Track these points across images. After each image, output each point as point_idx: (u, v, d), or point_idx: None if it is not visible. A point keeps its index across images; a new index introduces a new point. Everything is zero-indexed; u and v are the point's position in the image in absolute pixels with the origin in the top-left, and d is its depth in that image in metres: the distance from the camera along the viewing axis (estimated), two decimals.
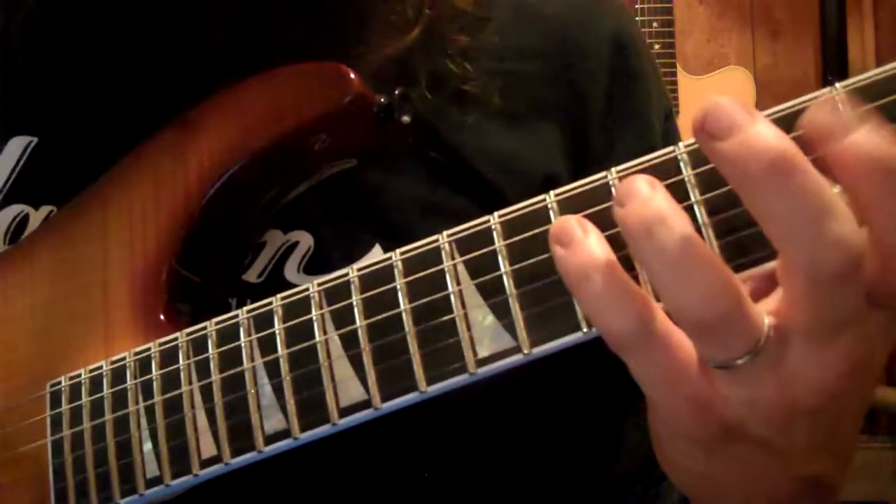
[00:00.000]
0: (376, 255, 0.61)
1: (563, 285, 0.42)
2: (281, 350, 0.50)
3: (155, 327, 0.58)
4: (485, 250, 0.45)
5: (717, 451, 0.43)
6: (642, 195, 0.39)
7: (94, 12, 0.69)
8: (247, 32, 0.67)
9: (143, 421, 0.53)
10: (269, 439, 0.50)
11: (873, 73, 0.39)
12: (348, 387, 0.48)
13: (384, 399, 0.47)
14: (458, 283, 0.46)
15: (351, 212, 0.63)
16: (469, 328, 0.45)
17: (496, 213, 0.46)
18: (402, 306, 0.47)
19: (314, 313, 0.49)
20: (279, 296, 0.51)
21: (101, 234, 0.61)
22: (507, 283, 0.45)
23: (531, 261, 0.44)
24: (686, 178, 0.41)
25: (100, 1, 0.69)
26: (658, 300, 0.41)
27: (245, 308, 0.52)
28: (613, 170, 0.43)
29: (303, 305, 0.50)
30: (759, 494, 0.45)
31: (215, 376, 0.52)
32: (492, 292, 0.45)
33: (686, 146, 0.42)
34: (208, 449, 0.51)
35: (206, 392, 0.52)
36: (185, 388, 0.52)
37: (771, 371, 0.39)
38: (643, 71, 0.72)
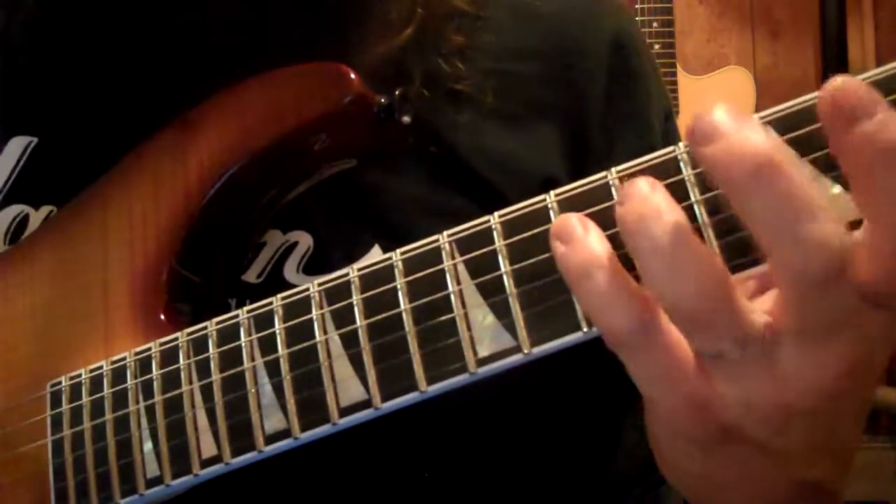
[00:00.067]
0: (376, 255, 0.61)
1: (563, 285, 0.42)
2: (281, 350, 0.50)
3: (155, 327, 0.58)
4: (485, 250, 0.46)
5: (715, 451, 0.43)
6: (641, 194, 0.39)
7: (95, 12, 0.69)
8: (247, 32, 0.67)
9: (144, 420, 0.53)
10: (270, 439, 0.50)
11: (872, 74, 0.39)
12: (348, 386, 0.48)
13: (384, 399, 0.47)
14: (459, 283, 0.46)
15: (350, 212, 0.63)
16: (469, 328, 0.45)
17: (496, 213, 0.46)
18: (402, 306, 0.47)
19: (314, 313, 0.49)
20: (279, 296, 0.51)
21: (101, 234, 0.61)
22: (508, 282, 0.45)
23: (531, 260, 0.44)
24: (686, 178, 0.42)
25: (100, 1, 0.69)
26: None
27: (245, 308, 0.52)
28: (613, 170, 0.43)
29: (303, 305, 0.50)
30: (758, 497, 0.45)
31: (216, 376, 0.52)
32: (492, 292, 0.45)
33: (686, 146, 0.42)
34: (208, 449, 0.51)
35: (207, 392, 0.52)
36: (185, 387, 0.52)
37: (765, 368, 0.39)
38: (643, 71, 0.72)
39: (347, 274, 0.49)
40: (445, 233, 0.47)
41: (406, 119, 0.60)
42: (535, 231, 0.44)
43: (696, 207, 0.41)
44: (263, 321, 0.51)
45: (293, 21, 0.67)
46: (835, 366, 0.39)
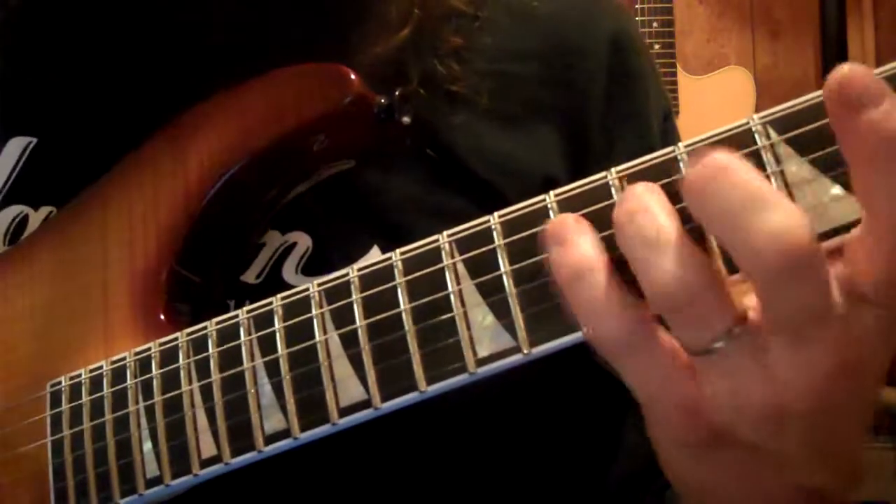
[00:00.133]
0: (374, 255, 0.61)
1: None
2: (281, 350, 0.50)
3: (155, 327, 0.58)
4: (485, 250, 0.46)
5: (707, 457, 0.43)
6: (635, 195, 0.40)
7: (95, 12, 0.69)
8: (247, 32, 0.67)
9: (143, 421, 0.53)
10: (269, 439, 0.50)
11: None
12: (348, 386, 0.48)
13: (384, 399, 0.47)
14: (458, 283, 0.46)
15: (349, 213, 0.63)
16: (469, 328, 0.45)
17: (496, 213, 0.46)
18: (401, 306, 0.47)
19: (314, 313, 0.49)
20: (279, 295, 0.51)
21: (101, 235, 0.61)
22: (507, 282, 0.45)
23: (531, 260, 0.44)
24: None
25: (100, 1, 0.69)
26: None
27: (245, 308, 0.52)
28: (613, 170, 0.43)
29: (303, 305, 0.50)
30: (756, 503, 0.45)
31: (215, 376, 0.52)
32: (492, 292, 0.45)
33: (685, 146, 0.42)
34: (208, 449, 0.51)
35: (206, 392, 0.52)
36: (185, 387, 0.52)
37: (754, 365, 0.39)
38: (642, 71, 0.72)
39: (347, 274, 0.49)
40: (445, 233, 0.47)
41: (406, 119, 0.60)
42: (535, 231, 0.44)
43: None
44: (263, 321, 0.51)
45: (293, 21, 0.67)
46: (823, 364, 0.39)
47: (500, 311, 0.45)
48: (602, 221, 0.42)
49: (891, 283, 0.38)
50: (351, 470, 0.62)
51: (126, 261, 0.60)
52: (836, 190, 0.39)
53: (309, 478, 0.61)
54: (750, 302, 0.40)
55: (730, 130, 0.42)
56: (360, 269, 0.49)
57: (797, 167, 0.40)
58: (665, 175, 0.42)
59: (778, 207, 0.37)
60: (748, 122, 0.41)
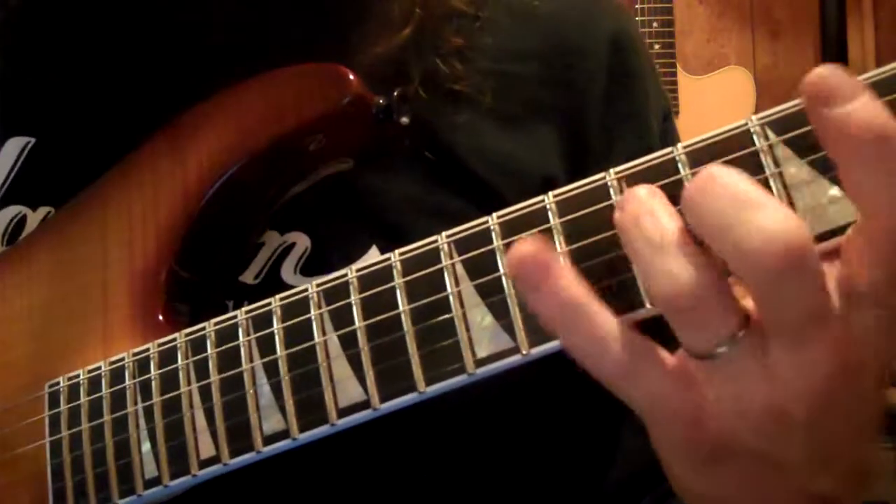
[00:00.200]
0: (373, 256, 0.61)
1: None
2: (280, 350, 0.50)
3: (154, 328, 0.57)
4: (483, 250, 0.45)
5: (711, 468, 0.43)
6: (638, 198, 0.40)
7: (95, 12, 0.69)
8: (247, 32, 0.67)
9: (142, 421, 0.53)
10: (268, 440, 0.50)
11: (873, 74, 0.39)
12: (347, 387, 0.48)
13: (383, 399, 0.47)
14: (457, 284, 0.46)
15: (348, 213, 0.63)
16: (468, 328, 0.45)
17: (495, 214, 0.46)
18: (400, 307, 0.47)
19: (313, 313, 0.49)
20: (278, 296, 0.51)
21: (100, 235, 0.61)
22: (506, 283, 0.45)
23: None
24: (684, 178, 0.41)
25: (101, 1, 0.69)
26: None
27: (244, 308, 0.52)
28: (612, 171, 0.43)
29: (302, 306, 0.50)
30: None
31: (214, 377, 0.52)
32: (491, 292, 0.45)
33: (684, 147, 0.42)
34: (207, 449, 0.51)
35: (205, 392, 0.52)
36: (183, 388, 0.52)
37: (756, 368, 0.39)
38: (642, 71, 0.72)
39: (346, 274, 0.49)
40: (444, 233, 0.47)
41: (404, 120, 0.60)
42: (534, 231, 0.44)
43: None
44: (262, 321, 0.51)
45: (293, 21, 0.67)
46: (824, 367, 0.39)
47: (499, 311, 0.45)
48: (600, 223, 0.42)
49: (889, 282, 0.38)
50: (350, 470, 0.61)
51: (125, 261, 0.60)
52: (835, 191, 0.39)
53: (308, 478, 0.61)
54: (750, 304, 0.40)
55: (728, 132, 0.41)
56: (358, 270, 0.49)
57: (796, 168, 0.40)
58: (664, 176, 0.42)
59: (766, 209, 0.37)
60: (746, 124, 0.41)
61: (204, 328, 0.53)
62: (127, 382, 0.54)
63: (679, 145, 0.42)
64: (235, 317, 0.52)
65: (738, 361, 0.39)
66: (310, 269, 0.62)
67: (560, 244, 0.43)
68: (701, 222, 0.38)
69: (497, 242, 0.45)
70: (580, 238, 0.43)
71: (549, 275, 0.40)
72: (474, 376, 0.45)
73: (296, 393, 0.49)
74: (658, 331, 0.41)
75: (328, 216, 0.63)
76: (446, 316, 0.46)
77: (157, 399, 0.53)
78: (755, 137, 0.41)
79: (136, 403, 0.54)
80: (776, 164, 0.40)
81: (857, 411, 0.41)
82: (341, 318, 0.49)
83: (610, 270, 0.42)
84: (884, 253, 0.37)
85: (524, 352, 0.44)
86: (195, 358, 0.53)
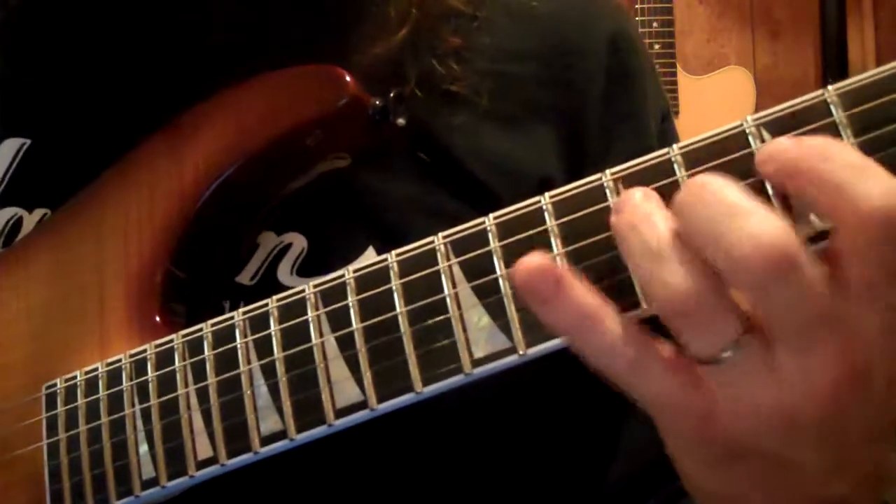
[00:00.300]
0: (370, 257, 0.61)
1: None
2: (277, 351, 0.50)
3: (151, 329, 0.57)
4: (480, 251, 0.46)
5: (724, 468, 0.43)
6: (634, 202, 0.41)
7: (94, 12, 0.69)
8: (247, 32, 0.67)
9: (140, 423, 0.53)
10: (266, 440, 0.50)
11: (872, 73, 0.39)
12: (344, 388, 0.48)
13: (380, 400, 0.47)
14: (454, 285, 0.46)
15: (344, 214, 0.63)
16: (465, 329, 0.45)
17: (491, 215, 0.46)
18: (397, 308, 0.47)
19: (310, 315, 0.49)
20: (275, 297, 0.51)
21: (96, 236, 0.61)
22: (503, 284, 0.45)
23: None
24: (680, 179, 0.42)
25: (101, 1, 0.69)
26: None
27: (241, 310, 0.52)
28: (608, 171, 0.43)
29: (299, 307, 0.50)
30: None
31: (211, 378, 0.52)
32: (487, 293, 0.45)
33: (680, 148, 0.42)
34: (204, 450, 0.51)
35: (203, 394, 0.52)
36: (181, 389, 0.52)
37: (765, 371, 0.39)
38: (641, 71, 0.72)
39: (343, 275, 0.49)
40: (440, 234, 0.47)
41: (401, 121, 0.60)
42: (530, 233, 0.44)
43: None
44: (259, 323, 0.51)
45: (293, 21, 0.67)
46: (831, 370, 0.38)
47: (496, 312, 0.45)
48: (597, 224, 0.42)
49: (888, 281, 0.38)
50: (347, 471, 0.61)
51: (121, 262, 0.60)
52: None
53: (305, 479, 0.61)
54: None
55: (724, 133, 0.42)
56: (355, 271, 0.49)
57: None
58: (660, 177, 0.42)
59: (753, 214, 0.37)
60: (742, 125, 0.41)
61: (201, 329, 0.53)
62: (124, 384, 0.54)
63: (675, 146, 0.42)
64: (232, 318, 0.52)
65: (744, 365, 0.39)
66: (307, 269, 0.62)
67: (556, 245, 0.44)
68: (693, 231, 0.39)
69: (494, 243, 0.45)
70: (577, 239, 0.43)
71: (560, 288, 0.40)
72: (471, 376, 0.45)
73: (293, 394, 0.49)
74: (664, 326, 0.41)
75: (325, 217, 0.63)
76: (443, 317, 0.46)
77: (154, 400, 0.53)
78: (751, 138, 0.41)
79: (133, 405, 0.54)
80: None
81: (869, 415, 0.41)
82: (338, 319, 0.49)
83: (607, 271, 0.43)
84: (875, 251, 0.37)
85: (521, 352, 0.44)
86: (192, 359, 0.53)
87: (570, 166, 0.66)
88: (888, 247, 0.37)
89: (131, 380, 0.54)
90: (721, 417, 0.41)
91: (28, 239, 0.65)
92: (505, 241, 0.45)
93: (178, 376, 0.53)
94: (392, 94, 0.60)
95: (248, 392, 0.50)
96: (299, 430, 0.49)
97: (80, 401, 0.56)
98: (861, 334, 0.39)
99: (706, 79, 2.87)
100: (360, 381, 0.48)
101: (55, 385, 0.57)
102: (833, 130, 0.40)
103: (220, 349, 0.52)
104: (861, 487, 0.43)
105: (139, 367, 0.54)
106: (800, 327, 0.38)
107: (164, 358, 0.54)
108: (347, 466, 0.61)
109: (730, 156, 0.41)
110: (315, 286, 0.49)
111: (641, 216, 0.40)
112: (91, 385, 0.56)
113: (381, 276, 0.48)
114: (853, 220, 0.37)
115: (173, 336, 0.54)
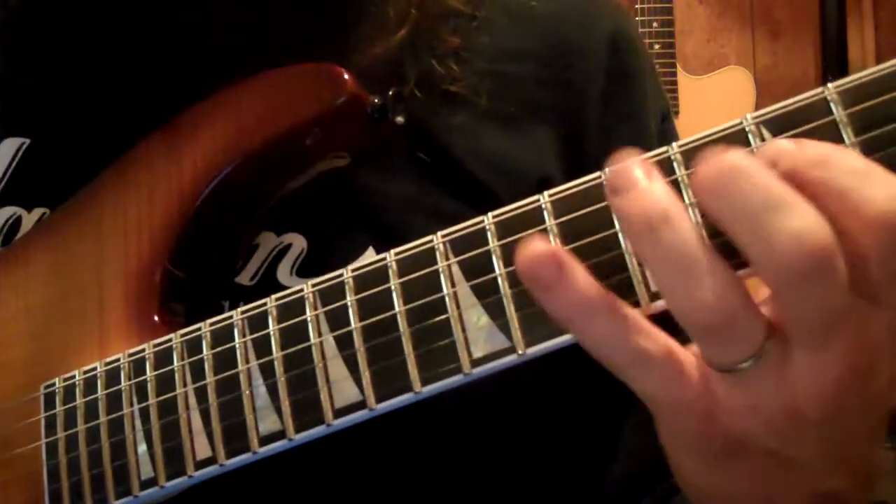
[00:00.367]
0: (370, 256, 0.61)
1: None
2: (275, 351, 0.50)
3: (149, 328, 0.57)
4: (479, 251, 0.45)
5: (722, 465, 0.43)
6: (640, 185, 0.39)
7: (93, 12, 0.69)
8: (247, 32, 0.67)
9: (138, 422, 0.53)
10: (264, 440, 0.50)
11: (872, 71, 0.39)
12: (343, 388, 0.48)
13: (379, 400, 0.47)
14: (453, 284, 0.46)
15: (344, 214, 0.63)
16: (464, 329, 0.45)
17: (490, 214, 0.45)
18: (396, 307, 0.47)
19: (309, 314, 0.49)
20: (273, 297, 0.51)
21: (95, 235, 0.61)
22: (502, 283, 0.45)
23: None
24: (679, 179, 0.41)
25: (101, 1, 0.69)
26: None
27: (239, 309, 0.52)
28: (608, 170, 0.43)
29: (297, 306, 0.50)
30: None
31: (210, 378, 0.52)
32: (486, 293, 0.45)
33: (679, 146, 0.42)
34: (203, 450, 0.51)
35: (201, 393, 0.52)
36: (179, 389, 0.52)
37: (774, 376, 0.39)
38: (640, 71, 0.72)
39: (342, 275, 0.49)
40: (439, 233, 0.46)
41: (399, 119, 0.60)
42: (529, 232, 0.44)
43: (689, 209, 0.41)
44: (257, 322, 0.51)
45: (293, 21, 0.67)
46: (835, 369, 0.38)
47: (495, 311, 0.45)
48: (597, 223, 0.42)
49: (892, 285, 0.37)
50: (346, 471, 0.61)
51: (120, 261, 0.60)
52: None
53: (304, 479, 0.61)
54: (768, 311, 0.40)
55: (723, 130, 0.41)
56: (354, 270, 0.49)
57: None
58: None
59: (798, 209, 0.36)
60: (742, 123, 0.41)
61: (200, 329, 0.53)
62: (123, 384, 0.54)
63: (674, 144, 0.42)
64: (231, 317, 0.52)
65: (758, 372, 0.39)
66: (306, 270, 0.62)
67: (556, 244, 0.43)
68: (722, 212, 0.37)
69: (493, 243, 0.45)
70: (576, 238, 0.43)
71: (563, 274, 0.39)
72: (470, 376, 0.45)
73: (292, 394, 0.49)
74: (668, 320, 0.41)
75: (325, 217, 0.63)
76: (442, 317, 0.46)
77: (152, 400, 0.53)
78: (750, 136, 0.41)
79: (131, 404, 0.54)
80: None
81: (869, 412, 0.41)
82: (337, 319, 0.48)
83: (607, 271, 0.42)
84: (880, 255, 0.37)
85: (520, 352, 0.44)
86: (191, 359, 0.52)
87: (570, 166, 0.66)
88: (892, 249, 0.37)
89: (130, 379, 0.54)
90: (722, 415, 0.41)
91: (27, 238, 0.65)
92: (504, 241, 0.45)
93: (177, 376, 0.53)
94: (391, 93, 0.60)
95: (247, 392, 0.50)
96: (298, 430, 0.49)
97: (79, 400, 0.56)
98: (865, 335, 0.39)
99: (706, 79, 2.87)
100: (358, 381, 0.48)
101: (54, 385, 0.57)
102: (833, 129, 0.40)
103: (218, 349, 0.52)
104: (855, 482, 0.44)
105: (138, 366, 0.54)
106: (821, 327, 0.38)
107: (163, 357, 0.53)
108: (346, 466, 0.61)
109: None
110: (314, 285, 0.49)
111: (658, 216, 0.38)
112: (90, 384, 0.56)
113: (379, 275, 0.48)
114: (858, 225, 0.37)
115: (172, 335, 0.54)
